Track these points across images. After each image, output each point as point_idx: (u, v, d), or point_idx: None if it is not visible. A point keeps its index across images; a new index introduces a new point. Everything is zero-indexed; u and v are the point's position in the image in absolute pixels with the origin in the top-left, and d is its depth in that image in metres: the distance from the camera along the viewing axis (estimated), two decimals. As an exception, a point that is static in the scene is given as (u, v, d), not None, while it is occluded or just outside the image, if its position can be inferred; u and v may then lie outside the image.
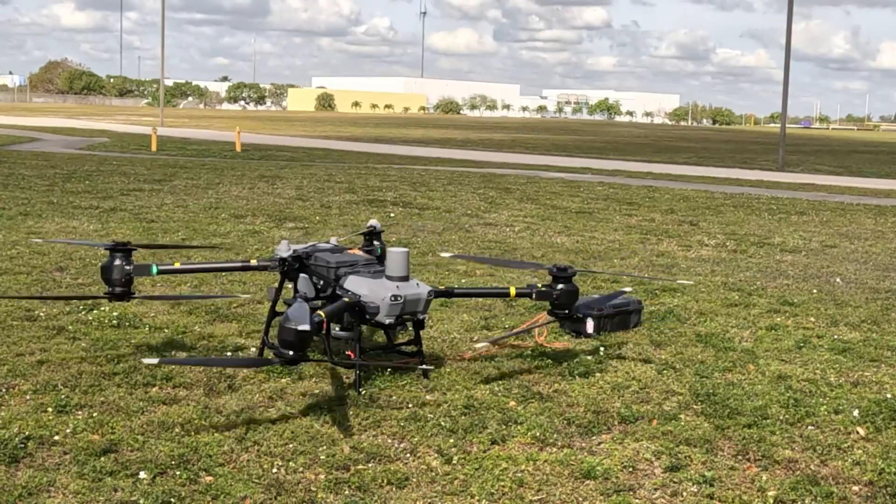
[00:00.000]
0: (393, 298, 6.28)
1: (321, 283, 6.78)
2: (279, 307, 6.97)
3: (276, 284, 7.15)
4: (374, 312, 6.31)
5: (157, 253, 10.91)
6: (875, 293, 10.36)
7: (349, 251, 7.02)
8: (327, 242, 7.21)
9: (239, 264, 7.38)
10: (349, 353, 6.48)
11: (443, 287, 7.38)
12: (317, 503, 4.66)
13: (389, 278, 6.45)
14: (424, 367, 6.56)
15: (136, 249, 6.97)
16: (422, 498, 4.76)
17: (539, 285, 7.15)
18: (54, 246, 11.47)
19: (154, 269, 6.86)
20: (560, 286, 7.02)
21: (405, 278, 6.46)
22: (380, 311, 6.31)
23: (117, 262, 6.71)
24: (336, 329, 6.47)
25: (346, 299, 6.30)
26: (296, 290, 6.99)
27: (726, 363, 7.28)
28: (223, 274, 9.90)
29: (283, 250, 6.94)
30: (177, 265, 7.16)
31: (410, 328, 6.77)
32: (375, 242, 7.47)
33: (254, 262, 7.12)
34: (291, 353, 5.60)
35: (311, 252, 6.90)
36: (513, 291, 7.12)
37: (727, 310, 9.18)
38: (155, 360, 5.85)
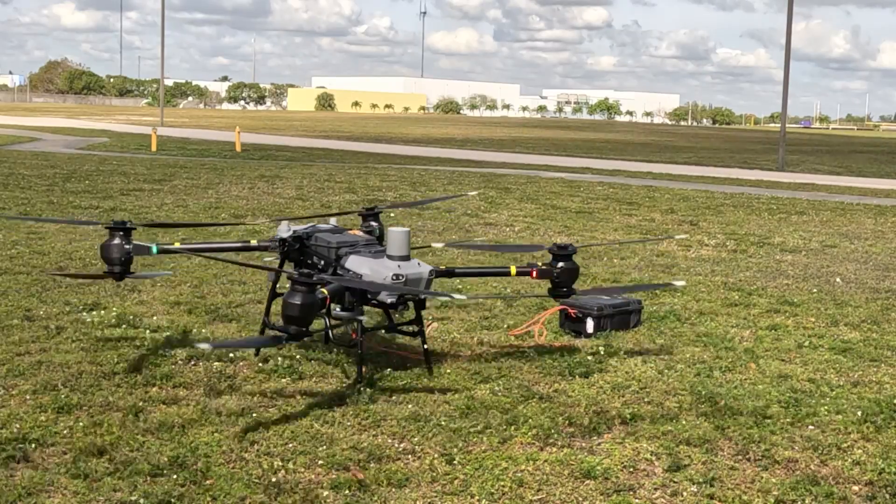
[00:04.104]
0: (394, 278, 6.28)
1: (322, 263, 6.78)
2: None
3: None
4: (375, 292, 6.31)
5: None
6: (875, 293, 10.36)
7: (349, 232, 7.03)
8: (327, 223, 7.23)
9: (239, 245, 7.41)
10: (351, 333, 6.50)
11: (443, 267, 7.36)
12: (317, 503, 4.66)
13: (390, 258, 6.45)
14: (427, 353, 6.62)
15: (136, 228, 6.95)
16: (422, 498, 4.76)
17: (539, 264, 7.14)
18: (54, 245, 11.47)
19: (154, 249, 6.85)
20: (560, 264, 7.01)
21: (406, 258, 6.47)
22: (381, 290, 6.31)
23: (117, 240, 6.71)
24: (336, 309, 6.47)
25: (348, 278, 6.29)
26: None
27: (726, 363, 7.28)
28: (223, 275, 9.90)
29: (283, 231, 6.96)
30: (177, 245, 7.17)
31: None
32: (374, 224, 7.50)
33: (254, 243, 7.17)
34: (294, 328, 5.62)
35: (311, 233, 6.93)
36: (513, 270, 7.11)
37: (727, 310, 9.18)
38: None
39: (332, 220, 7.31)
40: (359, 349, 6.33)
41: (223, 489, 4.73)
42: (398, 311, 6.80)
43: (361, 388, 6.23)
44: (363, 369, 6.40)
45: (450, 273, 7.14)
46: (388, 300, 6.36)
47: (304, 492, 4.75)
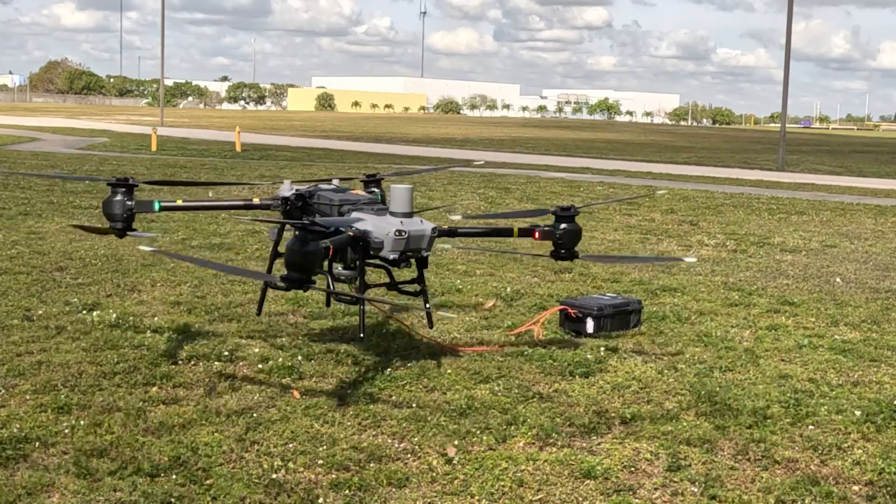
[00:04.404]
0: (397, 234, 6.29)
1: None
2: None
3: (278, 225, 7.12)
4: (378, 247, 6.32)
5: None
6: (875, 293, 10.35)
7: (352, 191, 7.03)
8: (329, 183, 7.23)
9: (242, 203, 7.37)
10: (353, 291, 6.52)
11: (446, 227, 7.35)
12: (317, 503, 4.66)
13: (393, 214, 6.45)
14: (428, 308, 6.70)
15: (139, 185, 6.89)
16: (422, 498, 4.76)
17: (542, 225, 7.12)
18: (54, 245, 11.47)
19: (156, 205, 6.82)
20: (563, 225, 6.99)
21: (409, 214, 6.47)
22: (384, 246, 6.31)
23: (119, 197, 6.66)
24: (339, 268, 6.46)
25: (351, 233, 6.28)
26: None
27: (726, 363, 7.28)
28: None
29: (286, 190, 6.95)
30: (179, 202, 7.13)
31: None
32: (375, 189, 7.50)
33: (256, 201, 7.14)
34: (297, 275, 5.61)
35: (314, 191, 6.92)
36: (516, 231, 7.07)
37: (727, 310, 9.18)
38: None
39: (335, 180, 7.31)
40: (361, 305, 6.33)
41: (223, 489, 4.73)
42: (400, 267, 6.77)
43: (363, 337, 6.26)
44: (365, 325, 6.40)
45: (452, 232, 7.12)
46: (391, 255, 6.36)
47: (304, 492, 4.75)
